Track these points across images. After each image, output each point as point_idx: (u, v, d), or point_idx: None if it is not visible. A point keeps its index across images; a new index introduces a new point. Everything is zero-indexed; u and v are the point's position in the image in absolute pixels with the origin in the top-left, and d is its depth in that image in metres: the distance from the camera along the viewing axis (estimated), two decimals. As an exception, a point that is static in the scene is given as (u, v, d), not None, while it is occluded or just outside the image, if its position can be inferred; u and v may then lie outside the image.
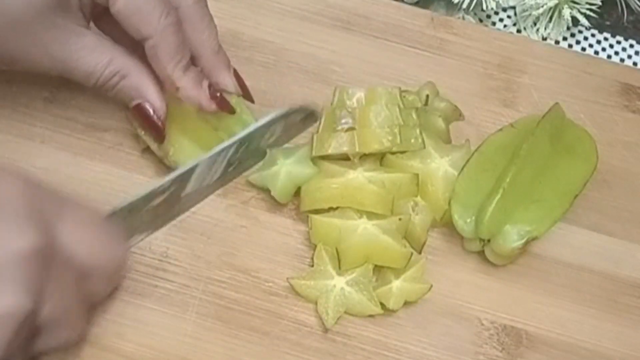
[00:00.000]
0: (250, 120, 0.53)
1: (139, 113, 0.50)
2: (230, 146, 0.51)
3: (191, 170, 0.50)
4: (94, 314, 0.48)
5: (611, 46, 0.67)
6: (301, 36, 0.59)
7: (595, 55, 0.66)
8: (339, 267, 0.49)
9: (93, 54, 0.48)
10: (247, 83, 0.54)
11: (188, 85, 0.50)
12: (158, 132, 0.50)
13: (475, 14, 0.66)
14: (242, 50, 0.58)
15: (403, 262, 0.50)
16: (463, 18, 0.65)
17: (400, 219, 0.50)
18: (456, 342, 0.51)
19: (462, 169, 0.52)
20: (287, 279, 0.50)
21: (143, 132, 0.51)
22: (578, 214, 0.55)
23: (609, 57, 0.67)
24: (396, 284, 0.50)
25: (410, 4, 0.64)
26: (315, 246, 0.51)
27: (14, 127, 0.53)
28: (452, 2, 0.64)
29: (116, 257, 0.45)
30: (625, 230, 0.55)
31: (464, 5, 0.64)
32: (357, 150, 0.52)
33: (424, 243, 0.52)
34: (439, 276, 0.52)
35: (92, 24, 0.51)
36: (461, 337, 0.51)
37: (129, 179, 0.53)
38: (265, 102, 0.56)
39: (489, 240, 0.51)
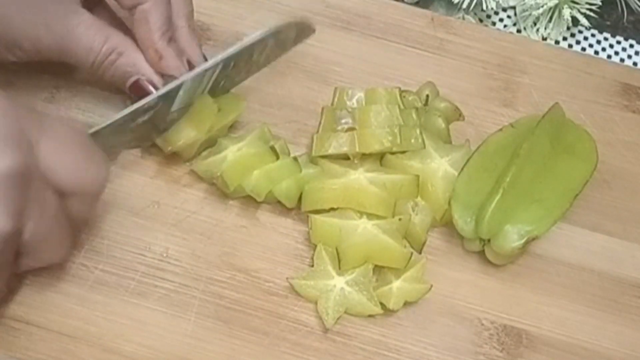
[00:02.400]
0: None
1: (137, 89, 0.51)
2: (217, 64, 0.51)
3: (177, 89, 0.50)
4: (78, 237, 0.48)
5: (611, 46, 0.67)
6: (301, 36, 0.59)
7: (595, 55, 0.66)
8: (339, 267, 0.49)
9: (91, 31, 0.49)
10: (247, 83, 0.55)
11: (171, 55, 0.51)
12: None
13: (475, 14, 0.66)
14: (242, 50, 0.58)
15: (403, 262, 0.50)
16: (463, 18, 0.65)
17: (400, 219, 0.50)
18: (456, 342, 0.51)
19: (462, 169, 0.52)
20: (287, 279, 0.50)
21: None
22: (578, 214, 0.55)
23: (609, 57, 0.67)
24: (396, 284, 0.50)
25: (410, 4, 0.64)
26: (315, 246, 0.51)
27: (14, 127, 0.53)
28: (452, 2, 0.64)
29: (97, 177, 0.45)
30: (625, 230, 0.55)
31: (464, 5, 0.64)
32: (357, 150, 0.52)
33: (424, 243, 0.52)
34: (439, 276, 0.52)
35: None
36: (461, 337, 0.51)
37: (129, 179, 0.53)
38: (265, 102, 0.56)
39: (489, 240, 0.51)
